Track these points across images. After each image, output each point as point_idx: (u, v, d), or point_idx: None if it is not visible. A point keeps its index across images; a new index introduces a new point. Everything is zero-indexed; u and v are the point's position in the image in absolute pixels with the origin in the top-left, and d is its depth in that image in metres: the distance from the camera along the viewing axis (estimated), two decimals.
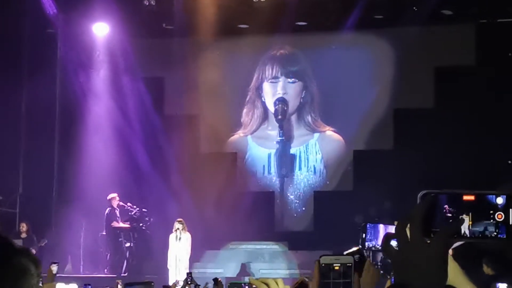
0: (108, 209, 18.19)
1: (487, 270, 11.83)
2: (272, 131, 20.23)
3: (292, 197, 20.05)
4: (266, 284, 2.75)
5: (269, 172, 20.20)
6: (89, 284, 11.81)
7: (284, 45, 20.22)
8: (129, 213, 18.41)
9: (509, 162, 17.30)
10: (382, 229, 3.62)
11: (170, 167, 19.41)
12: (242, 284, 8.95)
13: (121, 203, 18.28)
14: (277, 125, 20.02)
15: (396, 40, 19.33)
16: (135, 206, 18.42)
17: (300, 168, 20.05)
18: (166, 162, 19.44)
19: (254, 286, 2.84)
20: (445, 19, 18.88)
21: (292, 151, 20.06)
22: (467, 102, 17.90)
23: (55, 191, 19.44)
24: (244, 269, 18.00)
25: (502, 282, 9.65)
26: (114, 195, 18.23)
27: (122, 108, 19.76)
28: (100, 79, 20.01)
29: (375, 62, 19.61)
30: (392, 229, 1.79)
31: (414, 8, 18.61)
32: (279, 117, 19.94)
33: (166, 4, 19.41)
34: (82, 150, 19.21)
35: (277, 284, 2.74)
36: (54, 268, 10.74)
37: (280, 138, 19.98)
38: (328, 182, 19.95)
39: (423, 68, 19.19)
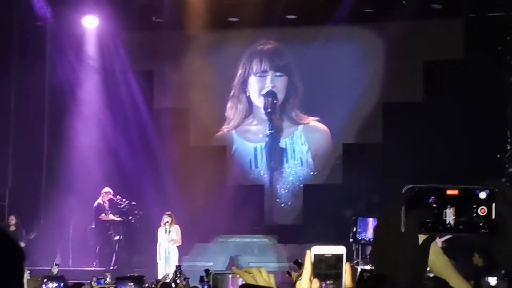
0: (97, 202, 18.17)
1: (478, 260, 11.77)
2: (258, 126, 20.22)
3: (281, 190, 20.06)
4: (250, 273, 2.76)
5: (256, 166, 20.19)
6: (103, 278, 11.98)
7: (272, 39, 20.20)
8: (118, 206, 18.37)
9: (498, 156, 17.35)
10: (371, 223, 3.65)
11: (159, 160, 19.40)
12: (226, 274, 8.97)
13: (111, 196, 18.26)
14: (263, 119, 20.02)
15: (386, 34, 19.33)
16: (124, 199, 18.39)
17: (287, 161, 20.07)
18: (155, 156, 19.43)
19: (237, 275, 2.85)
20: (434, 13, 18.91)
21: (281, 144, 20.07)
22: (456, 96, 17.94)
23: (44, 184, 19.40)
24: (233, 262, 17.99)
25: (492, 275, 9.65)
26: (108, 189, 18.19)
27: (111, 102, 19.71)
28: (89, 72, 19.95)
29: (364, 56, 19.62)
30: None
31: (404, 2, 18.63)
32: (269, 110, 19.92)
33: None
34: (71, 143, 19.18)
35: (260, 273, 2.74)
36: (55, 270, 10.85)
37: (270, 131, 19.98)
38: (316, 173, 19.96)
39: (412, 62, 19.21)
